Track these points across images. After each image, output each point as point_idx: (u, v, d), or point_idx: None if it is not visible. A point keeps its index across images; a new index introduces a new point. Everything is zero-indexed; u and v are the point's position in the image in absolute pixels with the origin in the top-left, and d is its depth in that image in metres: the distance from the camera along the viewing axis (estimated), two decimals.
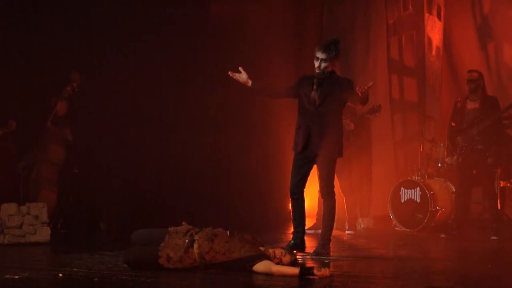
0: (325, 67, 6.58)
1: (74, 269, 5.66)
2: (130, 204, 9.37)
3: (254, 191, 9.75)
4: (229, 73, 6.74)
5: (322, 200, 6.88)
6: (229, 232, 5.55)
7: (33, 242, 7.68)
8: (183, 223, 5.72)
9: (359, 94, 6.39)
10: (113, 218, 9.34)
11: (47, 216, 7.90)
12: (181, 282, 5.18)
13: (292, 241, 6.81)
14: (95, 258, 6.31)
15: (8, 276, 5.30)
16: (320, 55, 6.57)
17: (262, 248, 5.58)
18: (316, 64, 6.59)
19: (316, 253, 6.62)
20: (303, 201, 6.85)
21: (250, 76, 6.74)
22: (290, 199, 6.98)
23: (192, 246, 5.48)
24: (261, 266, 5.36)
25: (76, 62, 9.08)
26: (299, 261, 5.70)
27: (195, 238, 5.49)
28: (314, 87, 6.61)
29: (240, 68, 6.76)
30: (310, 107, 6.64)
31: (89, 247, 7.33)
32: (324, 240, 6.72)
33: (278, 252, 5.56)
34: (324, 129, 6.61)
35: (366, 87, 6.35)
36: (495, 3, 10.44)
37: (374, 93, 10.75)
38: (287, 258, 5.54)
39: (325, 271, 5.18)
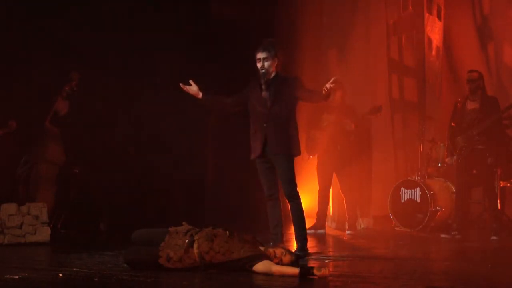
0: (269, 66, 6.58)
1: (74, 269, 5.66)
2: (130, 204, 9.37)
3: (252, 191, 9.73)
4: (180, 85, 6.74)
5: (288, 202, 6.72)
6: (228, 232, 5.55)
7: (33, 242, 7.68)
8: (183, 223, 5.72)
9: (324, 91, 6.37)
10: (113, 218, 9.34)
11: (47, 216, 7.90)
12: (181, 282, 5.18)
13: (271, 244, 6.70)
14: (95, 258, 6.32)
15: (8, 276, 5.30)
16: (260, 55, 6.60)
17: (262, 248, 5.58)
18: (259, 65, 6.60)
19: (297, 256, 6.53)
20: (279, 202, 6.76)
21: (202, 88, 6.75)
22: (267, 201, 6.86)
23: (192, 246, 5.48)
24: (261, 266, 5.36)
25: (76, 62, 9.08)
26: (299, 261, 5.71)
27: (195, 238, 5.50)
28: (263, 87, 6.60)
29: (190, 81, 6.76)
30: (262, 109, 6.62)
31: (89, 247, 7.33)
32: (302, 241, 6.65)
33: (278, 251, 5.56)
34: (278, 128, 6.57)
35: (330, 85, 6.32)
36: (495, 3, 10.44)
37: (374, 93, 10.77)
38: (287, 258, 5.54)
39: (325, 271, 5.18)
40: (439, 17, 10.93)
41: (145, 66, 9.65)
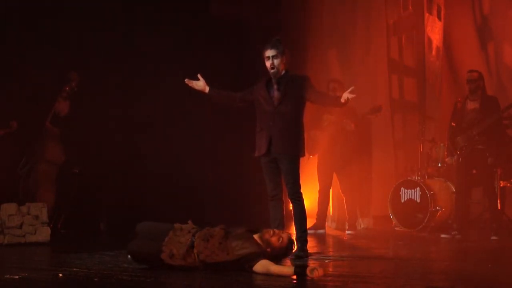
0: (278, 64, 6.53)
1: (74, 269, 5.66)
2: (130, 204, 9.37)
3: (253, 191, 9.73)
4: (186, 80, 6.71)
5: (291, 203, 6.70)
6: (224, 232, 5.54)
7: (33, 242, 7.68)
8: (189, 221, 5.72)
9: (344, 100, 6.36)
10: (113, 218, 9.35)
11: (47, 216, 7.90)
12: (181, 282, 5.18)
13: None
14: (95, 258, 6.32)
15: (8, 276, 5.30)
16: (269, 53, 6.53)
17: (256, 236, 5.55)
18: (268, 63, 6.53)
19: (296, 256, 6.54)
20: (282, 202, 6.73)
21: (207, 83, 6.72)
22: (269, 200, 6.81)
23: (192, 246, 5.49)
24: (259, 267, 5.37)
25: (76, 62, 9.09)
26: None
27: (194, 238, 5.51)
28: (275, 86, 6.57)
29: (198, 75, 6.73)
30: (269, 107, 6.57)
31: (89, 247, 7.33)
32: (302, 242, 6.62)
33: (276, 231, 5.57)
34: (284, 128, 6.53)
35: (350, 95, 6.31)
36: (495, 3, 10.44)
37: (374, 93, 10.77)
38: (285, 237, 5.56)
39: (318, 273, 5.13)
40: (439, 17, 10.93)
41: (145, 65, 9.65)
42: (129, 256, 6.14)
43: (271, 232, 5.57)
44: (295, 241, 6.66)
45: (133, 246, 5.69)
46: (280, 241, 5.57)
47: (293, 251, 5.99)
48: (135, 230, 5.78)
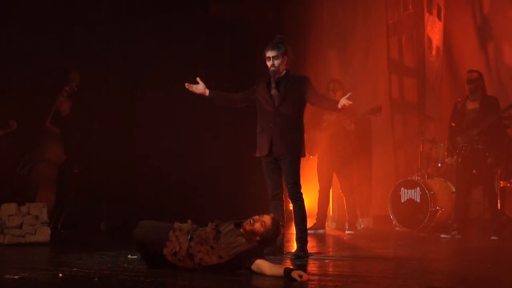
0: (279, 64, 6.55)
1: (74, 269, 5.66)
2: (130, 204, 9.37)
3: (253, 191, 9.74)
4: (186, 85, 6.71)
5: (292, 203, 6.70)
6: (215, 232, 5.53)
7: (33, 242, 7.67)
8: (189, 221, 5.72)
9: (341, 106, 6.38)
10: (113, 218, 9.35)
11: (47, 216, 7.90)
12: (181, 282, 5.18)
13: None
14: (95, 258, 6.32)
15: (8, 276, 5.30)
16: (270, 53, 6.55)
17: (242, 230, 5.53)
18: (269, 63, 6.55)
19: (296, 256, 6.52)
20: (283, 202, 6.73)
21: (208, 85, 6.71)
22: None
23: (190, 248, 5.49)
24: (254, 267, 5.40)
25: (76, 62, 9.09)
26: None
27: (191, 241, 5.50)
28: (273, 85, 6.58)
29: (197, 79, 6.73)
30: (269, 108, 6.58)
31: (89, 247, 7.33)
32: (302, 242, 6.61)
33: (256, 217, 5.54)
34: (285, 129, 6.54)
35: (348, 102, 6.32)
36: (495, 3, 10.44)
37: (374, 93, 10.77)
38: (267, 220, 5.52)
39: (303, 278, 5.10)
40: (439, 17, 10.93)
41: (145, 65, 9.65)
42: (129, 256, 6.16)
43: (251, 221, 5.52)
44: (295, 240, 6.69)
45: (139, 230, 5.66)
46: (264, 226, 5.53)
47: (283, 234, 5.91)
48: (136, 227, 5.77)
